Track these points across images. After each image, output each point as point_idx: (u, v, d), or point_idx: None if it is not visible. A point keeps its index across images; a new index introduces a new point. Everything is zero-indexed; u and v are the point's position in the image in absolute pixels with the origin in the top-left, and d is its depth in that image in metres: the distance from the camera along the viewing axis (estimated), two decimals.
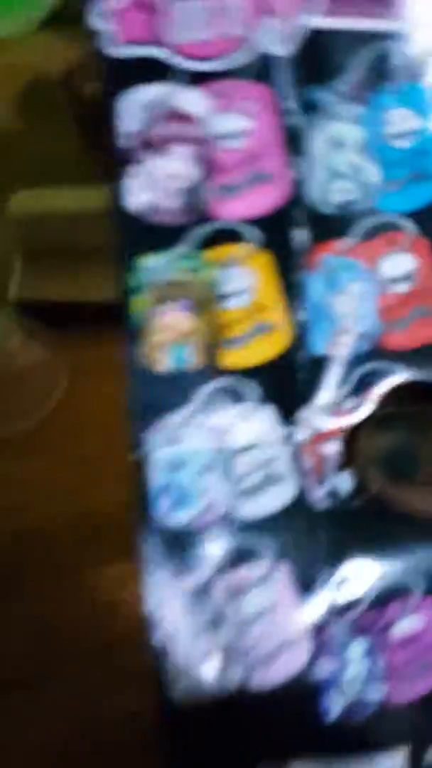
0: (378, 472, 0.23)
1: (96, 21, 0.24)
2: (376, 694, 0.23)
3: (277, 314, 0.21)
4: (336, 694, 0.22)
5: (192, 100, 0.23)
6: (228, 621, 0.22)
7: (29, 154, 0.64)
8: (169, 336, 0.21)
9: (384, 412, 0.22)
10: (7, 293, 0.50)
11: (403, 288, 0.22)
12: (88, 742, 0.37)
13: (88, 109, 0.53)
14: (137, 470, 0.23)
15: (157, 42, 0.23)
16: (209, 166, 0.22)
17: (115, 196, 0.23)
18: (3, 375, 0.47)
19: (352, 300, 0.22)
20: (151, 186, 0.22)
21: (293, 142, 0.22)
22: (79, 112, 0.57)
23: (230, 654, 0.22)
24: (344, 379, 0.22)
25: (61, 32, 0.75)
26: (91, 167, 0.57)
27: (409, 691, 0.23)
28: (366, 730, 0.23)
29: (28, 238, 0.53)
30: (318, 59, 0.22)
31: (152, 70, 0.23)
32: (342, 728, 0.23)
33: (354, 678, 0.22)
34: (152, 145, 0.23)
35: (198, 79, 0.23)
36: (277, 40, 0.23)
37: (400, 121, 0.22)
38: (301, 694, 0.22)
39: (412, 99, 0.23)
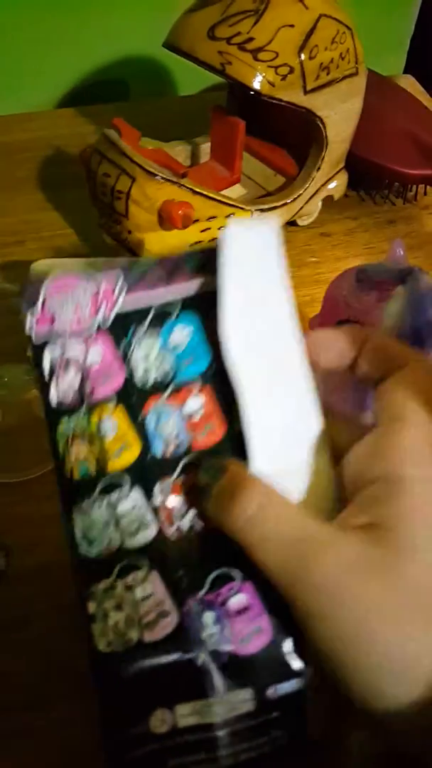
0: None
1: None
2: (226, 648, 0.35)
3: (131, 437, 0.39)
4: (200, 650, 0.35)
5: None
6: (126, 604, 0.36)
7: (53, 225, 0.77)
8: (77, 457, 0.40)
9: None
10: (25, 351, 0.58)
11: (199, 414, 0.40)
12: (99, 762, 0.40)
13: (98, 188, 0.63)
14: None
15: None
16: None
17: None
18: (22, 424, 0.55)
19: (173, 426, 0.40)
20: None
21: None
22: (93, 191, 0.66)
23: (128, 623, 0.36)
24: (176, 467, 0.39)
25: (79, 109, 0.93)
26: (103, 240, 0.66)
27: (249, 647, 0.35)
28: (224, 675, 0.34)
29: None
30: None
31: None
32: (209, 674, 0.35)
33: (210, 637, 0.35)
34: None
35: None
36: None
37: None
38: (177, 650, 0.35)
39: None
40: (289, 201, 0.71)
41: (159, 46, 0.88)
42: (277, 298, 0.40)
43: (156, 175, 0.61)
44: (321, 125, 0.68)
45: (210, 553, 0.36)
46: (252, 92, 0.62)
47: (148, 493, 0.37)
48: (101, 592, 0.36)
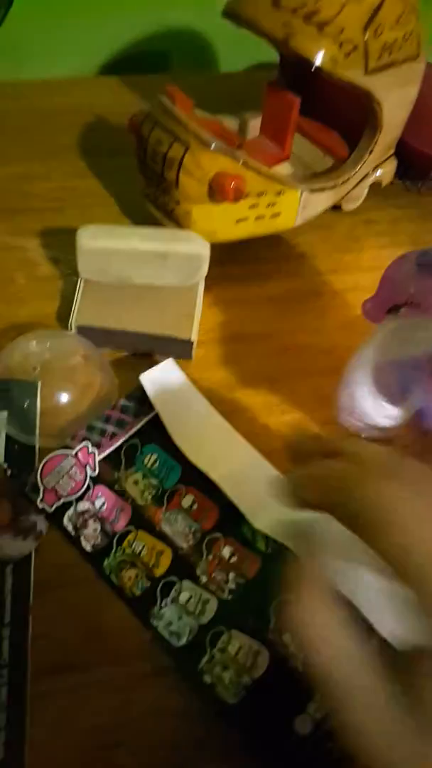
0: None
1: None
2: None
3: (159, 546, 0.50)
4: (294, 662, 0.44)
5: None
6: None
7: (93, 193, 0.75)
8: (130, 580, 0.49)
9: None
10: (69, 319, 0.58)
11: (195, 507, 0.52)
12: (133, 729, 0.42)
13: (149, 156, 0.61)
14: None
15: None
16: None
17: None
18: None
19: (182, 523, 0.51)
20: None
21: None
22: (142, 158, 0.63)
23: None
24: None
25: (122, 78, 0.90)
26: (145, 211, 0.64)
27: None
28: None
29: (88, 269, 0.60)
30: None
31: None
32: None
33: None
34: None
35: None
36: None
37: None
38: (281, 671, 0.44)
39: None
40: (339, 183, 0.69)
41: (205, 20, 0.86)
42: (198, 403, 0.56)
43: (211, 144, 0.59)
44: (377, 108, 0.66)
45: (260, 594, 0.47)
46: (313, 68, 0.60)
47: (195, 579, 0.48)
48: (206, 665, 0.44)
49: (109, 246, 0.61)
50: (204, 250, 0.61)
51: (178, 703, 0.43)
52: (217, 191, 0.60)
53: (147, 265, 0.61)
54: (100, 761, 0.41)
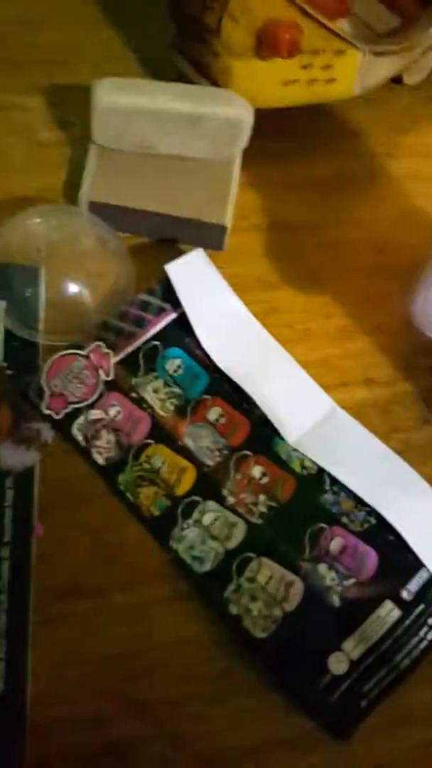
0: None
1: None
2: (350, 582, 0.42)
3: (182, 463, 0.45)
4: (330, 594, 0.42)
5: None
6: None
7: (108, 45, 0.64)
8: (148, 498, 0.44)
9: None
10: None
11: (222, 420, 0.47)
12: (148, 659, 0.39)
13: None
14: None
15: None
16: None
17: None
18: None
19: (207, 437, 0.46)
20: None
21: None
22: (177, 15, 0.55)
23: None
24: None
25: None
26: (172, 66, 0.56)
27: (366, 571, 0.43)
28: (362, 602, 0.42)
29: (104, 133, 0.51)
30: None
31: None
32: (349, 608, 0.42)
33: (333, 581, 0.42)
34: None
35: None
36: None
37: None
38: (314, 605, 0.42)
39: None
40: (406, 46, 0.58)
41: None
42: (231, 302, 0.49)
43: None
44: None
45: (295, 520, 0.43)
46: None
47: (221, 499, 0.43)
48: (232, 594, 0.40)
49: (132, 104, 0.50)
50: (247, 115, 0.51)
51: (199, 633, 0.40)
52: (266, 43, 0.50)
53: (176, 130, 0.51)
54: (111, 695, 0.38)
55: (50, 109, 0.60)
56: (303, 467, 0.45)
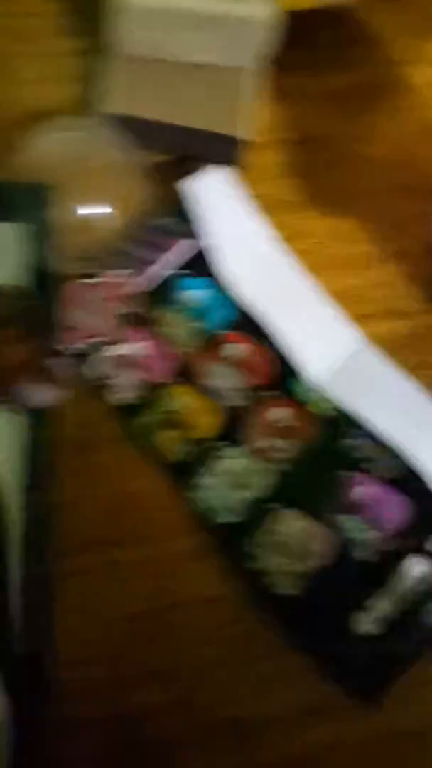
0: None
1: None
2: (375, 534, 0.40)
3: (207, 405, 0.43)
4: (355, 549, 0.40)
5: None
6: None
7: None
8: (170, 441, 0.42)
9: None
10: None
11: (243, 356, 0.44)
12: (169, 619, 0.38)
13: None
14: None
15: None
16: None
17: None
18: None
19: (229, 378, 0.43)
20: None
21: None
22: None
23: None
24: None
25: None
26: None
27: (391, 522, 0.41)
28: (387, 557, 0.40)
29: (125, 37, 0.47)
30: None
31: None
32: (374, 564, 0.40)
33: (359, 534, 0.40)
34: None
35: None
36: None
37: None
38: (339, 560, 0.40)
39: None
40: None
41: None
42: (256, 226, 0.46)
43: None
44: None
45: (319, 468, 0.40)
46: None
47: (244, 444, 0.41)
48: (256, 545, 0.38)
49: (157, 4, 0.46)
50: (271, 15, 0.46)
51: (220, 590, 0.39)
52: None
53: (196, 33, 0.47)
54: (134, 660, 0.37)
55: (61, 14, 0.55)
56: (322, 409, 0.42)
